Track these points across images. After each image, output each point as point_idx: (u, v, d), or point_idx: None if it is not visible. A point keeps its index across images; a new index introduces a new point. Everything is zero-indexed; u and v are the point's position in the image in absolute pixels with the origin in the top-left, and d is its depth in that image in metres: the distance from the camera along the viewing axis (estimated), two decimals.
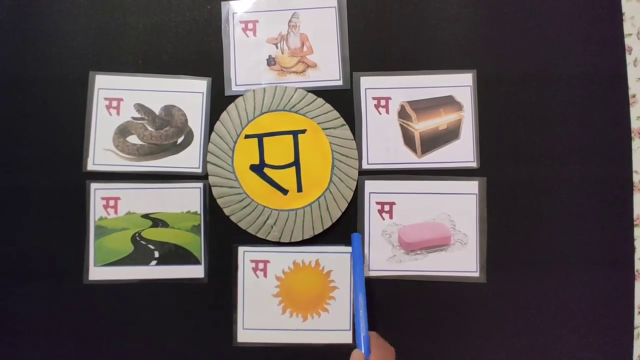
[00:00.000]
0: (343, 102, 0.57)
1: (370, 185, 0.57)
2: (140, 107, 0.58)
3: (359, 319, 0.47)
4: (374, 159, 0.57)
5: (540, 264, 0.56)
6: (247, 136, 0.57)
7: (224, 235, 0.57)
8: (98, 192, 0.57)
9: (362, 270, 0.51)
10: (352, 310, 0.56)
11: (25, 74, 0.58)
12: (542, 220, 0.57)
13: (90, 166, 0.57)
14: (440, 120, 0.58)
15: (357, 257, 0.51)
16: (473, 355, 0.56)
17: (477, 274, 0.56)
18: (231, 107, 0.57)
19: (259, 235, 0.56)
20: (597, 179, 0.57)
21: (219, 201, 0.56)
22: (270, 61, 0.58)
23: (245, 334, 0.56)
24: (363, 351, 0.45)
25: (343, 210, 0.56)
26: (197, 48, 0.58)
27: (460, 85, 0.58)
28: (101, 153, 0.57)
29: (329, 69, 0.58)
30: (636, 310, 0.56)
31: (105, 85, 0.58)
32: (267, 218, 0.56)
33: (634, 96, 0.58)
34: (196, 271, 0.56)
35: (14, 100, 0.58)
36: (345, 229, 0.57)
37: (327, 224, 0.56)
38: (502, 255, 0.56)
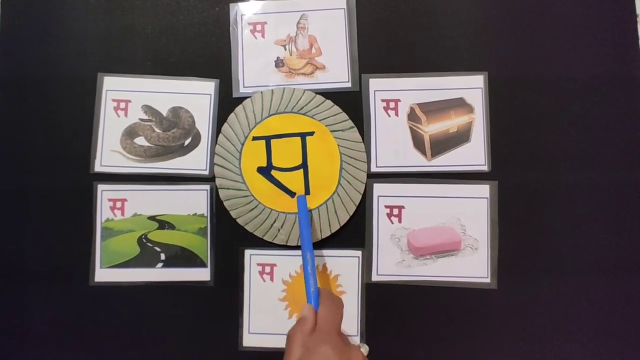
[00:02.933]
0: (352, 104, 0.57)
1: (379, 188, 0.56)
2: (147, 109, 0.58)
3: (308, 275, 0.49)
4: (382, 161, 0.56)
5: (553, 270, 0.55)
6: (254, 138, 0.56)
7: (230, 238, 0.56)
8: (105, 193, 0.56)
9: (309, 230, 0.52)
10: (359, 315, 0.55)
11: (34, 76, 0.58)
12: (555, 225, 0.56)
13: (98, 167, 0.57)
14: (450, 123, 0.57)
15: (303, 217, 0.52)
16: None
17: (488, 280, 0.55)
18: (239, 109, 0.57)
19: (265, 238, 0.56)
20: (611, 183, 0.56)
21: (225, 204, 0.56)
22: (279, 63, 0.58)
23: (251, 338, 0.55)
24: (313, 304, 0.47)
25: (351, 213, 0.56)
26: (205, 50, 0.58)
27: (471, 87, 0.57)
28: (108, 154, 0.57)
29: (337, 71, 0.57)
30: None
31: (114, 87, 0.58)
32: (274, 221, 0.55)
33: None
34: (202, 274, 0.56)
35: (22, 101, 0.58)
36: (353, 232, 0.56)
37: (335, 227, 0.55)
38: (514, 260, 0.55)
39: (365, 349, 0.51)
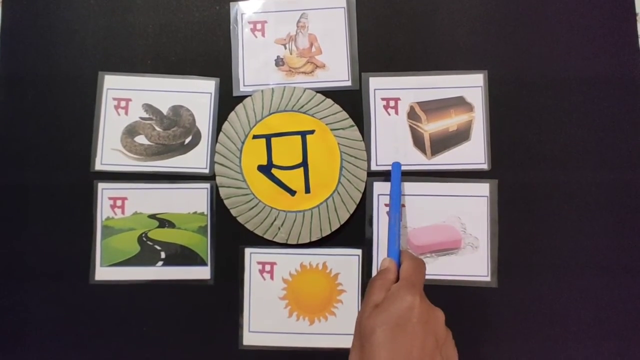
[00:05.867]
0: (352, 102, 0.57)
1: (379, 187, 0.56)
2: (148, 107, 0.58)
3: (394, 234, 0.49)
4: (382, 160, 0.56)
5: (553, 269, 0.55)
6: (255, 137, 0.56)
7: (230, 236, 0.56)
8: (105, 192, 0.57)
9: (399, 194, 0.52)
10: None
11: (35, 74, 0.58)
12: (555, 224, 0.56)
13: (98, 166, 0.57)
14: (450, 122, 0.57)
15: (395, 182, 0.53)
16: None
17: (488, 278, 0.55)
18: (239, 108, 0.57)
19: (266, 236, 0.56)
20: (611, 183, 0.56)
21: (226, 202, 0.56)
22: (279, 62, 0.58)
23: (251, 337, 0.55)
24: (395, 260, 0.47)
25: (351, 212, 0.56)
26: (206, 49, 0.58)
27: (471, 86, 0.57)
28: (109, 153, 0.57)
29: (337, 70, 0.57)
30: None
31: (114, 86, 0.58)
32: (275, 219, 0.55)
33: None
34: (202, 272, 0.56)
35: (23, 99, 0.58)
36: (353, 231, 0.56)
37: (335, 225, 0.55)
38: (514, 259, 0.55)
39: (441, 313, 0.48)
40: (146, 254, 0.56)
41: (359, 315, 0.43)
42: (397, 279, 0.45)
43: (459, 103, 0.57)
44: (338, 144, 0.56)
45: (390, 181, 0.54)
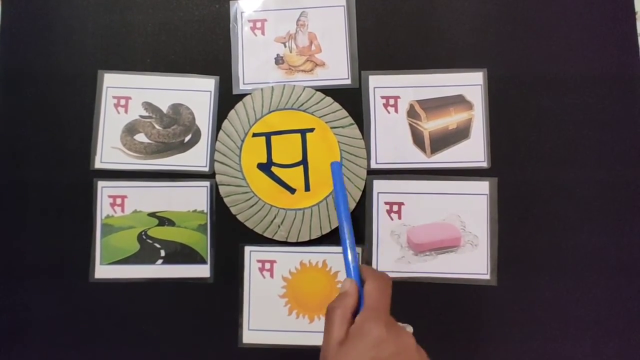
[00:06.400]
0: (351, 101, 0.57)
1: (378, 185, 0.56)
2: (148, 106, 0.58)
3: (347, 249, 0.44)
4: (382, 158, 0.57)
5: (552, 268, 0.55)
6: (254, 135, 0.56)
7: (230, 234, 0.56)
8: (105, 190, 0.56)
9: (346, 199, 0.47)
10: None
11: (34, 72, 0.58)
12: (554, 222, 0.56)
13: (98, 164, 0.57)
14: (450, 120, 0.57)
15: (338, 186, 0.47)
16: (482, 358, 0.55)
17: (487, 277, 0.55)
18: (239, 105, 0.57)
19: (265, 234, 0.56)
20: (611, 181, 0.56)
21: (225, 200, 0.56)
22: (279, 60, 0.58)
23: (251, 335, 0.55)
24: (355, 280, 0.42)
25: (351, 210, 0.56)
26: (205, 47, 0.58)
27: (470, 84, 0.57)
28: (109, 151, 0.57)
29: (337, 68, 0.58)
30: None
31: (114, 84, 0.58)
32: (274, 217, 0.55)
33: None
34: (202, 270, 0.56)
35: (23, 97, 0.58)
36: (353, 229, 0.56)
37: (335, 224, 0.55)
38: (514, 257, 0.55)
39: (410, 329, 0.44)
40: (146, 252, 0.56)
41: (323, 352, 0.39)
42: (359, 302, 0.41)
43: (459, 101, 0.57)
44: (338, 142, 0.56)
45: (333, 184, 0.50)
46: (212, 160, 0.56)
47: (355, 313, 0.40)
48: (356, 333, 0.38)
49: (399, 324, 0.41)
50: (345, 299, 0.40)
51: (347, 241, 0.44)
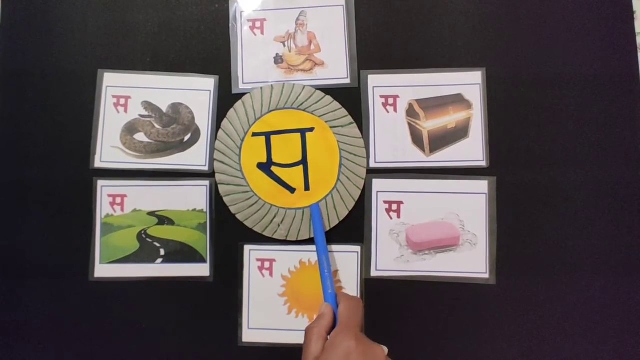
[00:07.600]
0: (351, 100, 0.57)
1: (378, 184, 0.56)
2: (147, 105, 0.58)
3: (325, 277, 0.50)
4: (381, 157, 0.57)
5: (551, 267, 0.55)
6: (254, 134, 0.56)
7: (230, 233, 0.56)
8: (105, 189, 0.57)
9: (324, 236, 0.52)
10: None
11: (34, 71, 0.58)
12: (553, 221, 0.56)
13: (98, 163, 0.57)
14: (449, 119, 0.57)
15: (317, 226, 0.53)
16: (480, 357, 0.55)
17: (486, 275, 0.55)
18: (238, 105, 0.57)
19: (265, 233, 0.56)
20: (610, 181, 0.56)
21: (225, 199, 0.56)
22: (278, 59, 0.58)
23: (251, 334, 0.55)
24: (332, 304, 0.49)
25: (350, 209, 0.56)
26: (205, 46, 0.58)
27: (469, 83, 0.57)
28: (108, 150, 0.57)
29: (336, 67, 0.58)
30: None
31: (113, 83, 0.58)
32: (274, 216, 0.56)
33: None
34: (202, 269, 0.56)
35: (22, 96, 0.58)
36: (352, 228, 0.56)
37: (334, 222, 0.56)
38: (513, 256, 0.56)
39: (385, 350, 0.49)
40: (145, 251, 0.56)
41: None
42: (334, 323, 0.47)
43: (458, 100, 0.57)
44: (337, 141, 0.56)
45: (312, 223, 0.54)
46: (212, 160, 0.57)
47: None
48: (328, 346, 0.43)
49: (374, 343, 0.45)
50: (321, 320, 0.46)
51: (326, 273, 0.50)
